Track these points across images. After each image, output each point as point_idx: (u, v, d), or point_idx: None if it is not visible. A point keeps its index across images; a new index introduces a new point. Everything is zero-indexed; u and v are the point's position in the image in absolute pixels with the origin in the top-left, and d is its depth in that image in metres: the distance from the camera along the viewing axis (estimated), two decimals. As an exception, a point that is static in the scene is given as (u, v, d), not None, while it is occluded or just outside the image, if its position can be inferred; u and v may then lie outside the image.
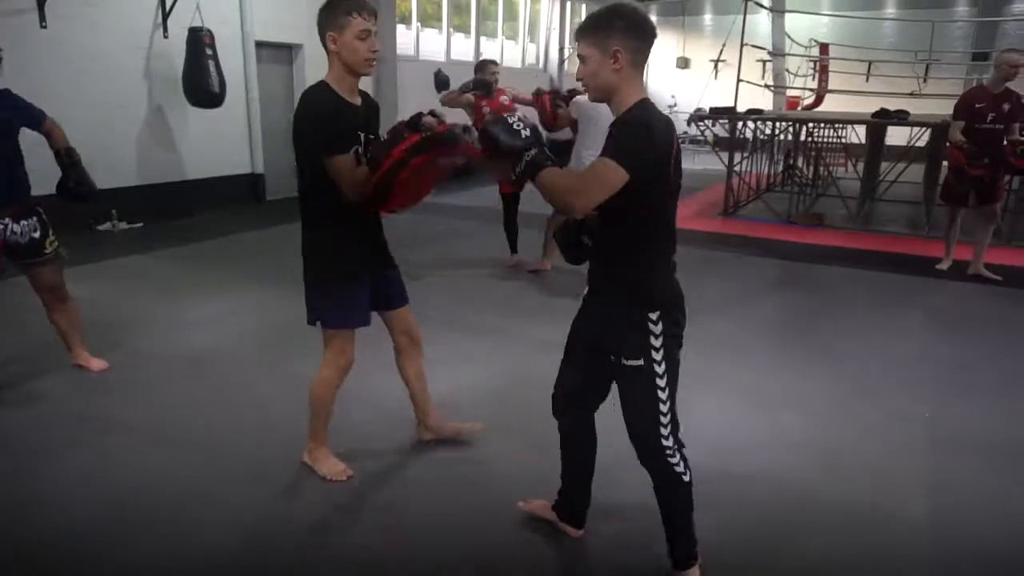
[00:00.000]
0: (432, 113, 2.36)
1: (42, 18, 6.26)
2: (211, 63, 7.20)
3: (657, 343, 1.93)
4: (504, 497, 2.51)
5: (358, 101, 2.44)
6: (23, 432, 2.99)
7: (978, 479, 2.82)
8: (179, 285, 5.23)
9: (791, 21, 14.38)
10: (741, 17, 8.72)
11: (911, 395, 3.58)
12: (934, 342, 4.39)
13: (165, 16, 7.27)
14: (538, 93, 5.51)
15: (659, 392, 1.96)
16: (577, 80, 2.02)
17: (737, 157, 8.82)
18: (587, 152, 4.93)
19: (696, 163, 12.12)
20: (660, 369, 1.94)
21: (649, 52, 1.94)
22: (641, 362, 1.93)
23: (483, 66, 5.68)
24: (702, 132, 11.28)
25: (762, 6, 11.85)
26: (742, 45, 8.68)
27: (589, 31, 1.90)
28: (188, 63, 7.18)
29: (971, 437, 3.16)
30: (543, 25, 15.40)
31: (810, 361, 3.98)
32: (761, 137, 10.23)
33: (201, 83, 7.20)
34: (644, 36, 1.91)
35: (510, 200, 5.77)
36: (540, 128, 1.91)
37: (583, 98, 4.98)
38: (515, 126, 1.90)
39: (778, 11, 12.44)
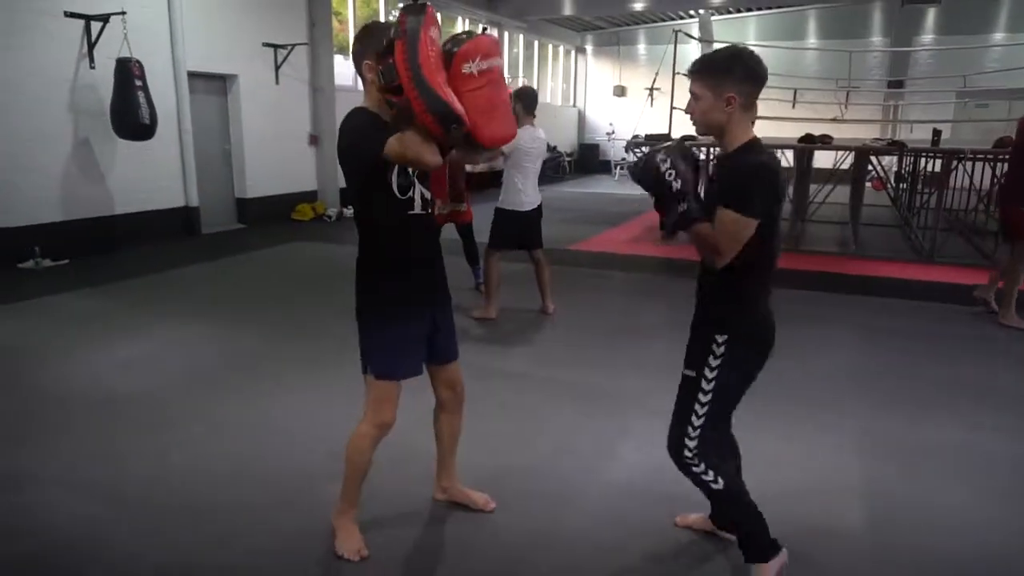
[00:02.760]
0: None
1: (-44, 49, 6.00)
2: (141, 94, 7.00)
3: (715, 362, 2.07)
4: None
5: None
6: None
7: (909, 487, 2.91)
8: (105, 324, 4.99)
9: (720, 51, 14.90)
10: (672, 47, 9.01)
11: (842, 407, 3.69)
12: (863, 356, 4.55)
13: (91, 46, 7.05)
14: None
15: (696, 404, 2.11)
16: (686, 113, 2.05)
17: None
18: (523, 184, 4.92)
19: (636, 188, 12.35)
20: (706, 385, 2.09)
21: (759, 94, 1.99)
22: (693, 373, 2.12)
23: None
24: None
25: (692, 37, 12.29)
26: (674, 74, 8.97)
27: (706, 73, 1.94)
28: (116, 94, 6.96)
29: (901, 445, 3.27)
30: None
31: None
32: (696, 162, 10.52)
33: (130, 115, 6.98)
34: (758, 82, 1.96)
35: (466, 228, 5.84)
36: (697, 168, 1.97)
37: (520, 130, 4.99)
38: (666, 174, 1.91)
39: (706, 41, 12.96)
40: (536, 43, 18.02)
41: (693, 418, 2.12)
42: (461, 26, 14.83)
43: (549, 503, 2.74)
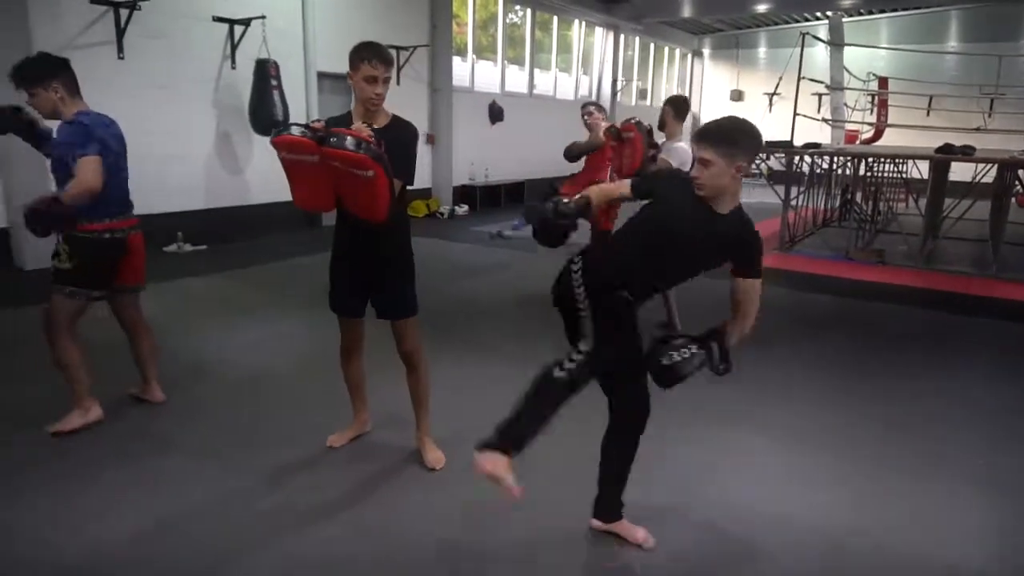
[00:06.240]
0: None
1: (120, 49, 6.62)
2: (276, 93, 7.49)
3: None
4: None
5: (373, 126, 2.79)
6: (80, 443, 3.09)
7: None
8: (238, 306, 5.37)
9: (849, 54, 14.16)
10: (797, 50, 8.63)
11: (965, 439, 3.42)
12: (995, 386, 4.19)
13: (234, 48, 7.61)
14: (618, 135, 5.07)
15: None
16: (695, 181, 2.14)
17: (793, 191, 8.67)
18: None
19: (751, 196, 11.94)
20: None
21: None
22: None
23: (583, 107, 5.53)
24: (756, 165, 11.15)
25: (820, 40, 11.72)
26: (799, 79, 8.59)
27: (719, 142, 2.08)
28: (254, 93, 7.48)
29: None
30: (596, 57, 15.53)
31: (863, 400, 3.84)
32: (818, 171, 10.05)
33: (266, 112, 7.47)
34: (759, 152, 2.22)
35: (605, 237, 5.62)
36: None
37: (682, 144, 4.54)
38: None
39: (836, 44, 12.28)
40: (652, 46, 17.78)
41: None
42: (578, 29, 14.86)
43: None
